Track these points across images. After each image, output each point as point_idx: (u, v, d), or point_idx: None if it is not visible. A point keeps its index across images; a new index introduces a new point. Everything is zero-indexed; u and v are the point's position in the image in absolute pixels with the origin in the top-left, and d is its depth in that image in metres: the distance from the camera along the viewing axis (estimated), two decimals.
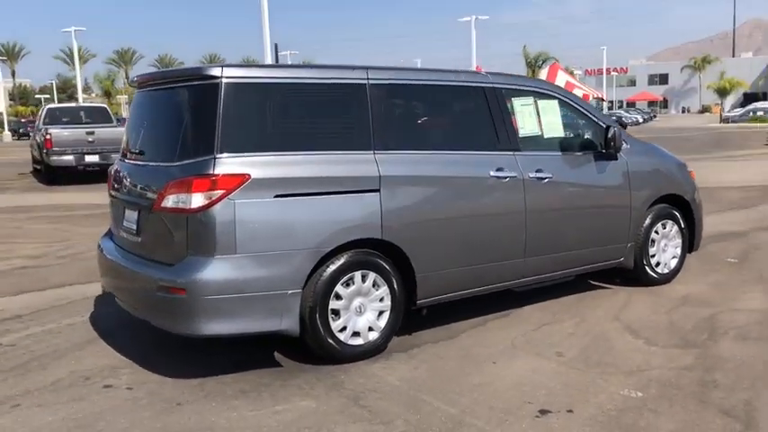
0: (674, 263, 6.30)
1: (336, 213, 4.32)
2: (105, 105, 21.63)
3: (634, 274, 6.10)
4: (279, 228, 4.15)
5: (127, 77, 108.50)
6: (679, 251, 6.33)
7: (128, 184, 4.63)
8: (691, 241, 6.43)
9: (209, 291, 3.99)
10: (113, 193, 4.96)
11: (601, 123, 5.75)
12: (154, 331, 5.10)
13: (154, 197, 4.25)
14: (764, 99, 72.88)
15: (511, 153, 5.13)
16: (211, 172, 3.99)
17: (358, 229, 4.39)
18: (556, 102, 5.57)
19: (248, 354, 4.63)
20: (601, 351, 4.60)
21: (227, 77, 4.11)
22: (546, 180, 5.24)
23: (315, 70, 4.54)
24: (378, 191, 4.45)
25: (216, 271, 4.00)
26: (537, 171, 5.20)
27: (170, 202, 4.10)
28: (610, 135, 5.55)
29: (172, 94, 4.45)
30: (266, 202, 4.10)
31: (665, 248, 6.22)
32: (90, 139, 17.00)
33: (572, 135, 5.70)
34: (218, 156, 4.02)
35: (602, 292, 6.08)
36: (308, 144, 4.36)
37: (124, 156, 5.06)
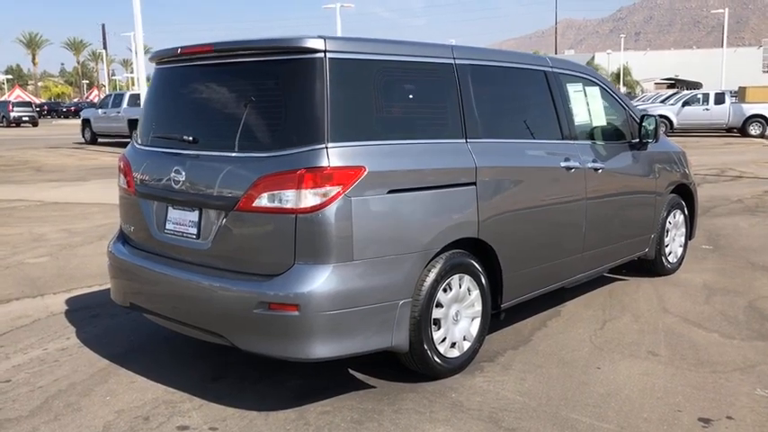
0: (679, 252, 6.35)
1: (441, 210, 3.81)
2: None
3: (651, 264, 6.05)
4: (393, 228, 3.56)
5: None
6: (683, 240, 6.39)
7: (175, 177, 3.76)
8: (690, 230, 6.51)
9: (327, 305, 3.33)
10: (141, 188, 4.06)
11: (633, 112, 5.63)
12: (176, 352, 4.49)
13: (234, 194, 3.48)
14: None
15: (572, 142, 4.85)
16: (325, 164, 3.32)
17: (460, 227, 3.90)
18: (598, 89, 5.36)
19: (317, 375, 4.00)
20: (689, 348, 4.43)
21: (331, 51, 3.44)
22: (600, 171, 5.01)
23: (411, 47, 3.93)
24: (474, 184, 3.97)
25: (334, 281, 3.34)
26: (593, 161, 4.96)
27: (265, 200, 3.37)
28: (651, 125, 5.43)
29: (248, 69, 3.65)
30: (381, 198, 3.50)
31: (674, 238, 6.24)
32: None
33: (611, 124, 5.52)
34: (330, 145, 3.36)
35: (620, 284, 5.97)
36: (411, 131, 3.80)
37: (145, 143, 4.17)
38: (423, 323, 3.73)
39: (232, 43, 3.73)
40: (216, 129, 3.74)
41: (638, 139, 5.52)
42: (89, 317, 5.18)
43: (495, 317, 4.42)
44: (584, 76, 5.24)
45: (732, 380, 3.93)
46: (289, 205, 3.32)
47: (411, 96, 3.91)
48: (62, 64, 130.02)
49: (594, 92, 5.30)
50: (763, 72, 79.57)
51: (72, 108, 62.63)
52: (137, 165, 4.12)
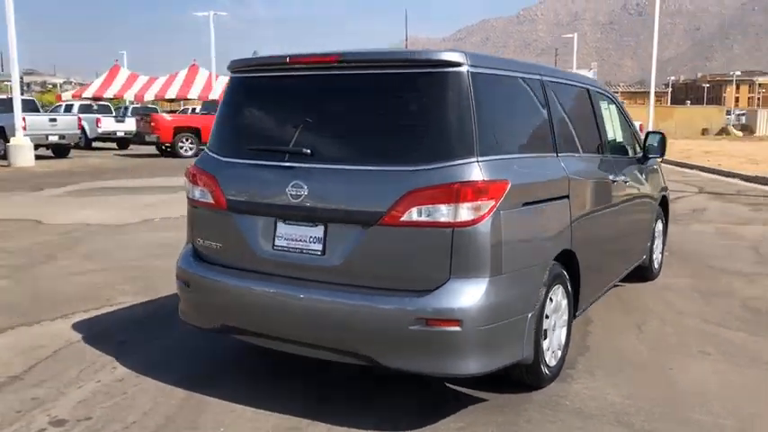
0: (660, 258, 6.85)
1: (553, 222, 3.92)
2: None
3: (643, 270, 6.45)
4: (527, 241, 3.62)
5: None
6: (662, 247, 6.90)
7: (294, 191, 3.53)
8: (664, 237, 7.04)
9: (484, 320, 3.30)
10: (237, 203, 3.78)
11: (635, 128, 6.04)
12: (249, 374, 4.32)
13: (376, 209, 3.35)
14: None
15: (609, 156, 5.13)
16: (478, 178, 3.30)
17: (563, 238, 4.02)
18: (615, 106, 5.69)
19: (422, 392, 3.95)
20: (730, 346, 4.79)
21: (473, 66, 3.44)
22: (626, 183, 5.33)
23: (520, 64, 4.01)
24: (567, 197, 4.11)
25: (490, 295, 3.32)
26: (622, 174, 5.27)
27: (414, 214, 3.29)
28: (658, 141, 5.84)
29: (380, 81, 3.50)
30: (519, 211, 3.54)
31: (658, 245, 6.73)
32: None
33: (625, 139, 5.87)
34: (480, 159, 3.35)
35: (618, 290, 6.31)
36: (526, 145, 3.89)
37: (234, 155, 3.90)
38: (538, 334, 3.79)
39: (361, 54, 3.60)
40: (344, 142, 3.57)
41: (642, 154, 5.92)
42: (117, 343, 4.75)
43: None
44: (607, 94, 5.55)
45: None
46: (443, 219, 3.27)
47: (525, 111, 3.98)
48: None
49: (613, 109, 5.63)
50: None
51: None
52: (228, 178, 3.85)
